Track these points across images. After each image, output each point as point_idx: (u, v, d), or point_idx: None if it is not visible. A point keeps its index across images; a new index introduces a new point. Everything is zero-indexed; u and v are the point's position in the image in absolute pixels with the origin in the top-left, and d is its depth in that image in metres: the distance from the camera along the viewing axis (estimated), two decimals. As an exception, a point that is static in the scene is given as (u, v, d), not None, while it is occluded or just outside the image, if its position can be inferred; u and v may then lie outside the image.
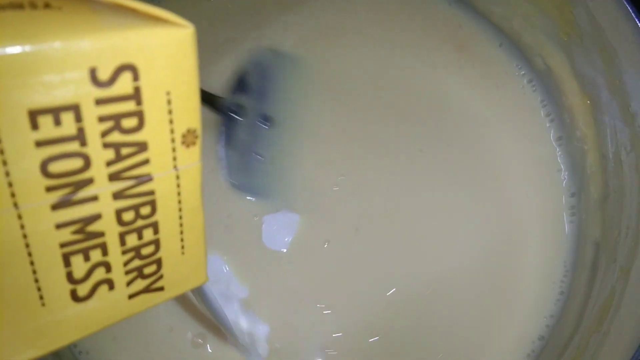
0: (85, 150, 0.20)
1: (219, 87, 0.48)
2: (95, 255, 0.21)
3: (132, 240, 0.22)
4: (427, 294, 0.44)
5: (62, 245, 0.20)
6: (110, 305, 0.23)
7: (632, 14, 0.36)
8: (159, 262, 0.24)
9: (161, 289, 0.25)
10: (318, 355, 0.43)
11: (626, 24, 0.36)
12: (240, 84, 0.46)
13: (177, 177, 0.23)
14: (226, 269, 0.44)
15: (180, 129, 0.22)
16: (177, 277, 0.25)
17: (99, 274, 0.22)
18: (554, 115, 0.47)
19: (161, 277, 0.24)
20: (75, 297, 0.21)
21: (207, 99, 0.44)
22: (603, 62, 0.40)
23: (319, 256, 0.45)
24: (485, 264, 0.45)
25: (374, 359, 0.43)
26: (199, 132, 0.23)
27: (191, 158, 0.23)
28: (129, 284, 0.23)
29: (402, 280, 0.44)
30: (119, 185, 0.21)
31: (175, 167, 0.22)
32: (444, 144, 0.47)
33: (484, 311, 0.44)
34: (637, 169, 0.39)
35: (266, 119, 0.46)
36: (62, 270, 0.21)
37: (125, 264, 0.23)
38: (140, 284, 0.24)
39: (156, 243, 0.23)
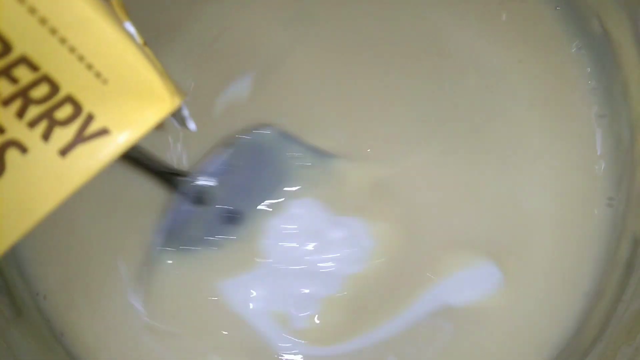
0: None
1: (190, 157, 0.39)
2: (-34, 120, 0.18)
3: (4, 86, 0.18)
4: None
5: None
6: (43, 171, 0.19)
7: None
8: (71, 100, 0.19)
9: (104, 131, 0.20)
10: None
11: None
12: (219, 163, 0.38)
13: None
14: None
15: None
16: (120, 110, 0.20)
17: (-8, 139, 0.18)
18: (600, 89, 0.40)
19: (91, 117, 0.20)
20: (-20, 175, 0.18)
21: (167, 173, 0.37)
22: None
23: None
24: (493, 250, 0.38)
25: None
26: None
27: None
28: (45, 137, 0.19)
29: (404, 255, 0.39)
30: None
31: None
32: (465, 108, 0.40)
33: None
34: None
35: (234, 214, 0.38)
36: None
37: (19, 115, 0.18)
38: (63, 133, 0.19)
39: (47, 80, 0.19)
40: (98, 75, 0.19)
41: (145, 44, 0.22)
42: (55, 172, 0.19)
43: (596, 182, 0.40)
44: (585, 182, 0.40)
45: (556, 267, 0.39)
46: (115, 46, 0.20)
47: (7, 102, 0.18)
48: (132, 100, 0.20)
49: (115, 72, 0.20)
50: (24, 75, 0.18)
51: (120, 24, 0.19)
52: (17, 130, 0.18)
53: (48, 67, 0.18)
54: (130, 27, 0.22)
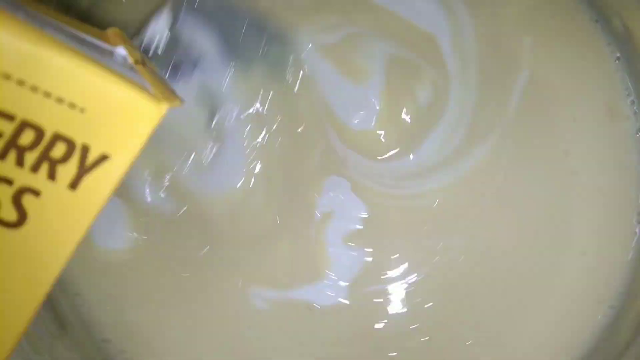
0: None
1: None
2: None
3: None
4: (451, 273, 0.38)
5: None
6: (61, 208, 0.20)
7: None
8: (61, 138, 0.19)
9: (104, 157, 0.19)
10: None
11: None
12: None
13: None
14: None
15: None
16: (111, 133, 0.19)
17: (4, 192, 0.19)
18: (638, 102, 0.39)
19: (86, 148, 0.19)
20: (5, 224, 0.19)
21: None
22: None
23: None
24: (521, 247, 0.38)
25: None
26: None
27: None
28: (51, 177, 0.19)
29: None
30: None
31: None
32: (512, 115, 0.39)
33: (513, 301, 0.38)
34: None
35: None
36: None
37: (18, 164, 0.19)
38: (66, 169, 0.19)
39: (28, 125, 0.18)
40: (72, 106, 0.19)
41: (139, 61, 0.21)
42: (72, 205, 0.20)
43: (629, 194, 0.38)
44: (618, 193, 0.39)
45: (588, 274, 0.38)
46: (76, 73, 0.19)
47: (2, 155, 0.19)
48: (118, 121, 0.20)
49: (88, 99, 0.19)
50: (3, 127, 0.18)
51: (79, 49, 0.18)
52: (23, 178, 0.19)
53: (21, 113, 0.18)
54: (121, 50, 0.22)
